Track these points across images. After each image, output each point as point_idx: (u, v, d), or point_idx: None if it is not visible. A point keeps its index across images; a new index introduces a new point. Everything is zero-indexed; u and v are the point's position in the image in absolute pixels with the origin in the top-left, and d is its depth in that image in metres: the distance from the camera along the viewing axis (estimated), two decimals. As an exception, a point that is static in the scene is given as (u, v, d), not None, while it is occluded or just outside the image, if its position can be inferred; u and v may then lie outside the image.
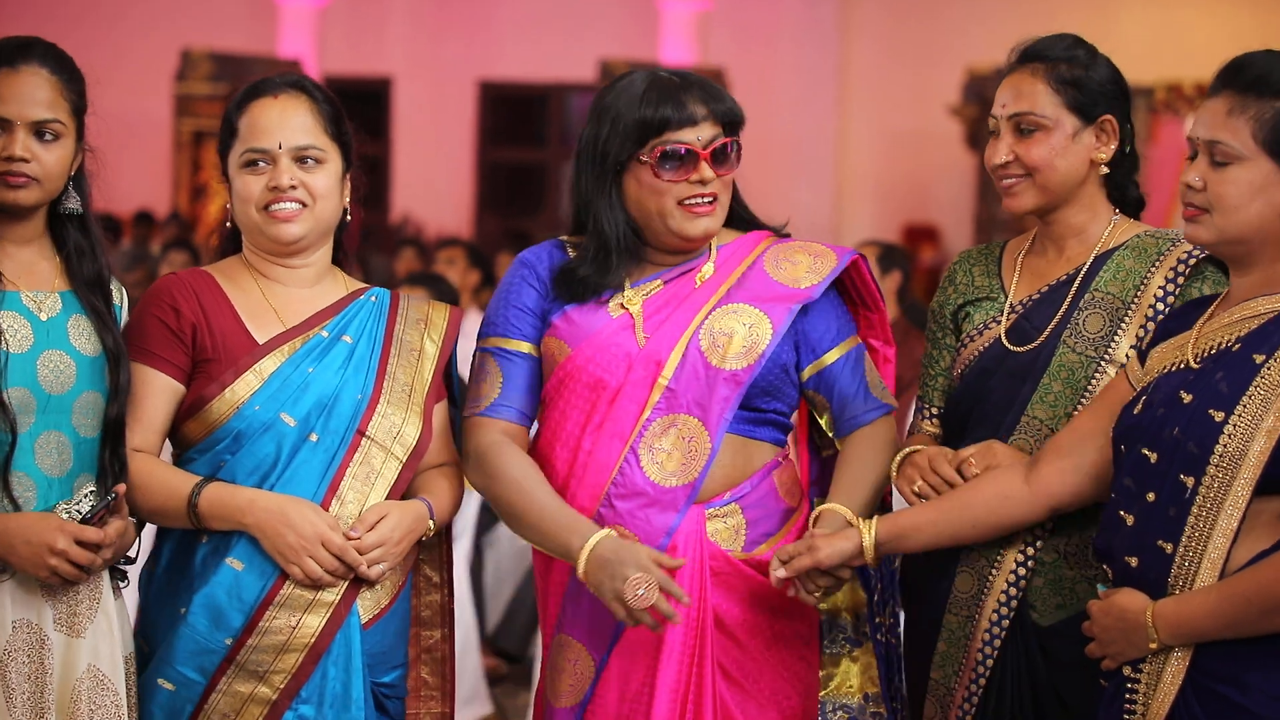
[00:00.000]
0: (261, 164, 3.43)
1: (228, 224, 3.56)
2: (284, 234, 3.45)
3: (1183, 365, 3.04)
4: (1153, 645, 2.93)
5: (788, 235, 3.58)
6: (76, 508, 3.25)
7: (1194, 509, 2.89)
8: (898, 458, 3.47)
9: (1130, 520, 2.98)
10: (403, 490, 3.43)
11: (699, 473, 3.38)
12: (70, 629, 3.27)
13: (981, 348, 3.49)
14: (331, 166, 3.47)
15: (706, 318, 3.42)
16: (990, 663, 3.36)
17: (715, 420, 3.39)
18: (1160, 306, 3.36)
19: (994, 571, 3.37)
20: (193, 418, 3.39)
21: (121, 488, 3.25)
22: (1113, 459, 3.11)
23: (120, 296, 3.48)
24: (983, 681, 3.38)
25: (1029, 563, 3.35)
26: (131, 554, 3.39)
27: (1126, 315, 3.39)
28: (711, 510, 3.41)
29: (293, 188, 3.43)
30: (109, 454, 3.31)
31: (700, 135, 3.41)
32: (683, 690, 3.37)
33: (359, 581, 3.39)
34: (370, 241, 13.22)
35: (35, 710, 3.23)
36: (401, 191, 17.48)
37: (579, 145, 3.59)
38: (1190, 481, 2.90)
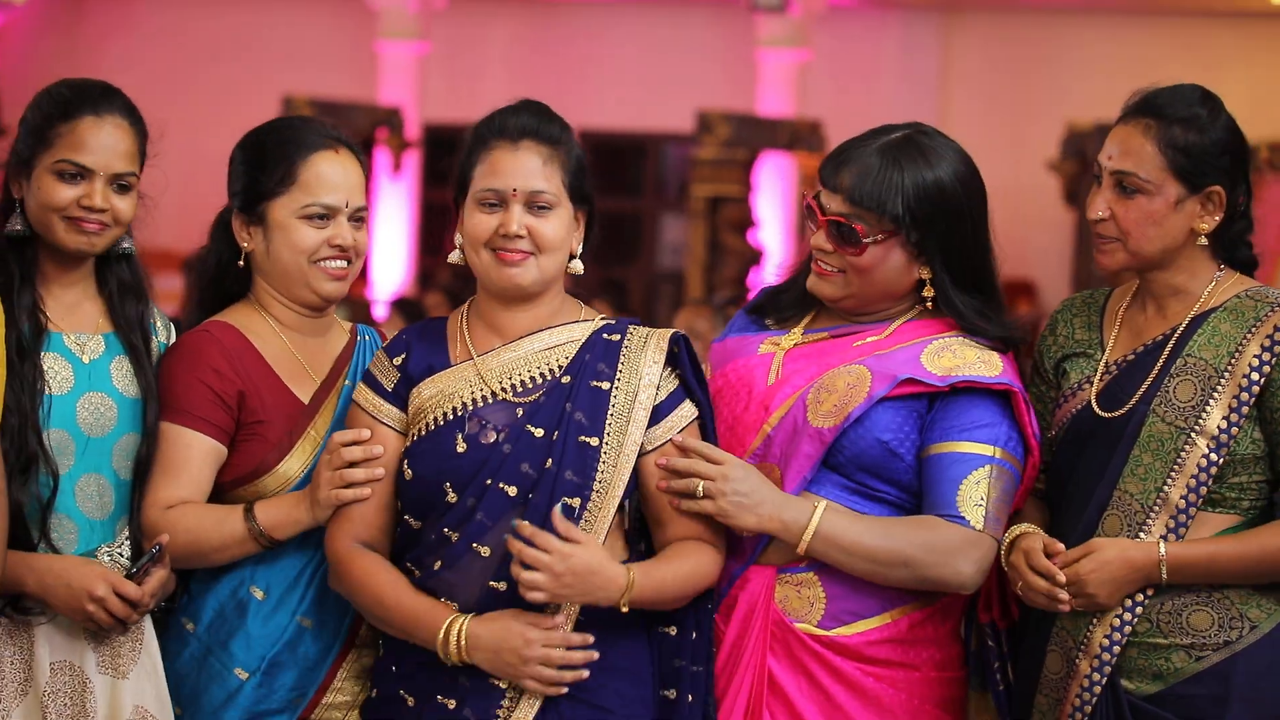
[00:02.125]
0: (323, 218, 3.43)
1: (241, 263, 3.50)
2: (334, 291, 3.49)
3: None
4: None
5: (999, 346, 3.37)
6: (119, 550, 3.26)
7: None
8: (1007, 538, 3.30)
9: None
10: None
11: None
12: (115, 670, 3.27)
13: (1074, 410, 3.35)
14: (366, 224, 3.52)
15: (825, 373, 3.33)
16: None
17: (794, 476, 3.29)
18: (1255, 376, 3.20)
19: (1080, 654, 3.25)
20: (251, 484, 3.38)
21: (165, 538, 3.24)
22: None
23: (169, 334, 3.49)
24: None
25: (1121, 635, 3.22)
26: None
27: (1219, 384, 3.22)
28: (784, 575, 3.31)
29: (349, 245, 3.46)
30: (139, 495, 3.32)
31: (830, 205, 3.34)
32: None
33: None
34: (473, 284, 13.24)
35: None
36: (498, 239, 17.42)
37: None
38: None
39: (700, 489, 3.23)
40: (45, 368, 3.27)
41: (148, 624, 3.35)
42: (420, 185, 16.70)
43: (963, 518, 3.23)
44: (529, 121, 3.32)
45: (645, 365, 3.32)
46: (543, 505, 3.20)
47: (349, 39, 17.05)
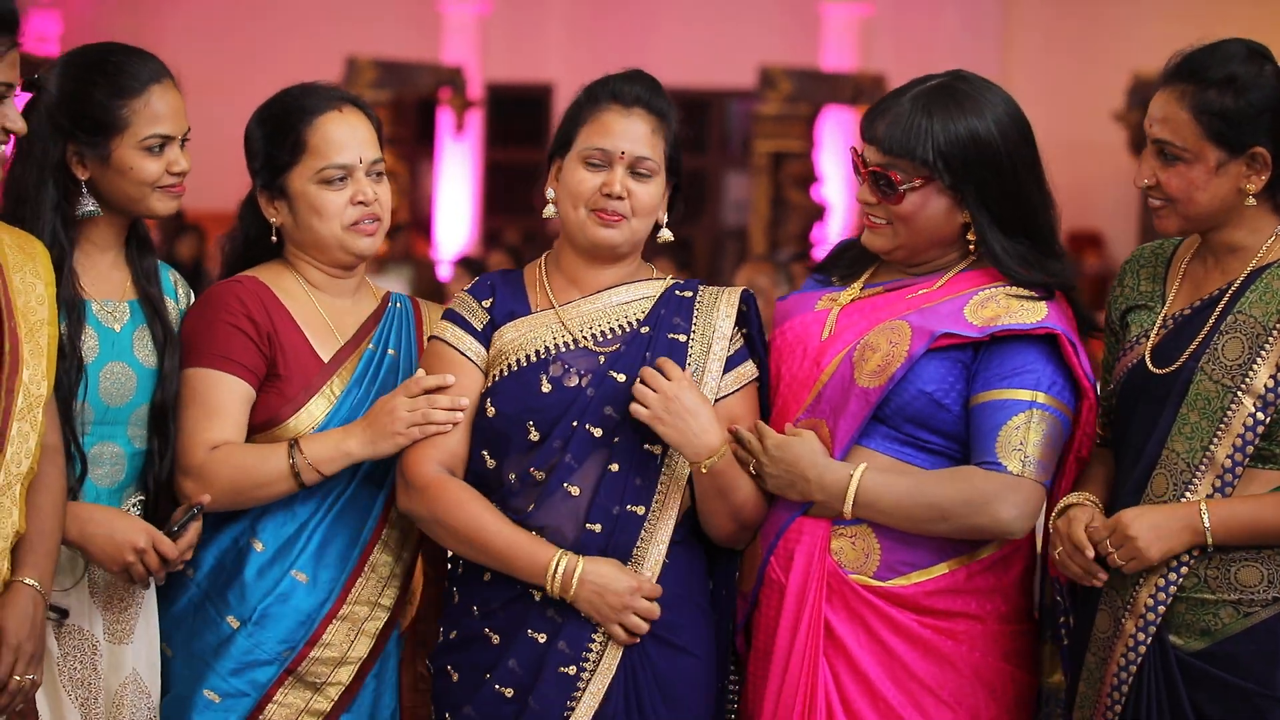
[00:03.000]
0: (339, 179, 3.47)
1: (274, 238, 3.54)
2: (366, 248, 3.53)
3: None
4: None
5: (1055, 293, 3.37)
6: (176, 523, 3.30)
7: None
8: (1060, 505, 3.30)
9: None
10: None
11: None
12: (116, 636, 3.33)
13: (1130, 364, 3.32)
14: (387, 178, 3.55)
15: (872, 329, 3.36)
16: (1119, 708, 3.23)
17: (843, 433, 3.32)
18: None
19: (1126, 614, 3.22)
20: (264, 434, 3.42)
21: (206, 498, 3.31)
22: None
23: (188, 298, 3.53)
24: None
25: (1166, 595, 3.19)
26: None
27: (1267, 341, 3.16)
28: (839, 527, 3.32)
29: (374, 201, 3.49)
30: (159, 440, 3.36)
31: (869, 157, 3.36)
32: (787, 707, 3.32)
33: (404, 595, 3.47)
34: (537, 242, 13.28)
35: (85, 715, 3.28)
36: (561, 197, 17.43)
37: None
38: None
39: (753, 466, 3.33)
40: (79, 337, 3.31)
41: (151, 590, 3.39)
42: (484, 144, 16.75)
43: (1000, 464, 3.24)
44: (642, 91, 3.43)
45: (719, 319, 3.44)
46: (627, 447, 3.33)
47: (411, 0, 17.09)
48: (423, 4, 16.89)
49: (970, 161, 3.31)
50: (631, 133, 3.40)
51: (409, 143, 16.50)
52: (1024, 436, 3.24)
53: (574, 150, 3.42)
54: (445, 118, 15.79)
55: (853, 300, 3.45)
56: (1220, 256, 3.30)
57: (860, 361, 3.31)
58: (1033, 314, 3.28)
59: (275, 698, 3.37)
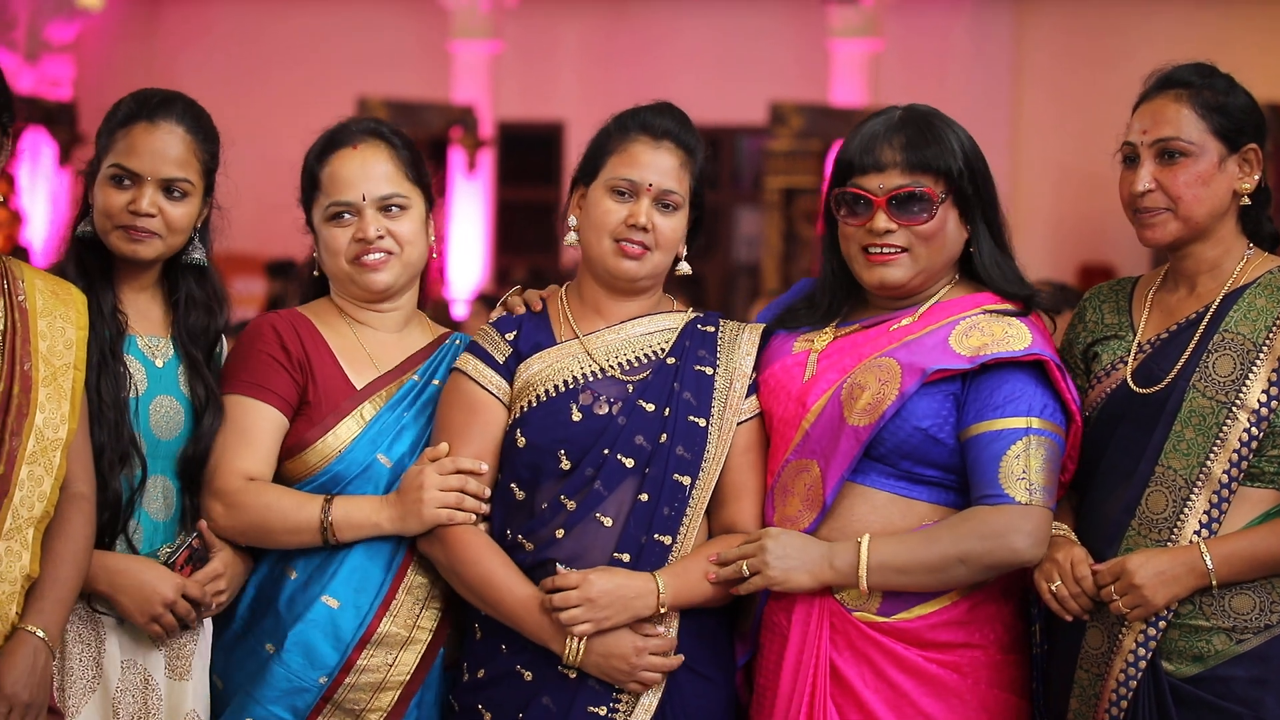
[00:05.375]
0: (347, 216, 3.47)
1: (315, 272, 3.58)
2: (375, 283, 3.50)
3: None
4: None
5: (1029, 310, 3.41)
6: (169, 550, 3.30)
7: None
8: None
9: None
10: None
11: (809, 524, 3.32)
12: (175, 673, 3.32)
13: (1108, 390, 3.35)
14: (415, 211, 3.52)
15: (857, 366, 3.35)
16: None
17: (834, 473, 3.31)
18: None
19: (1124, 630, 3.24)
20: (292, 459, 3.43)
21: (202, 524, 3.30)
22: None
23: (221, 347, 3.53)
24: None
25: (1168, 609, 3.21)
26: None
27: (1258, 358, 3.22)
28: None
29: (380, 238, 3.47)
30: (189, 497, 3.37)
31: (884, 183, 3.35)
32: None
33: (448, 618, 3.45)
34: (544, 280, 13.26)
35: None
36: (574, 235, 17.45)
37: None
38: None
39: (745, 568, 3.31)
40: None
41: (207, 625, 3.39)
42: (495, 183, 16.76)
43: (1007, 495, 3.24)
44: (672, 125, 3.45)
45: (740, 355, 3.47)
46: (658, 478, 3.33)
47: (422, 39, 17.13)
48: (433, 44, 16.93)
49: (976, 170, 3.37)
50: (659, 165, 3.40)
51: (421, 182, 16.52)
52: (1025, 465, 3.24)
53: (600, 179, 3.43)
54: (457, 157, 15.79)
55: (831, 342, 3.44)
56: (1194, 280, 3.36)
57: (849, 400, 3.31)
58: (1019, 340, 3.29)
59: None
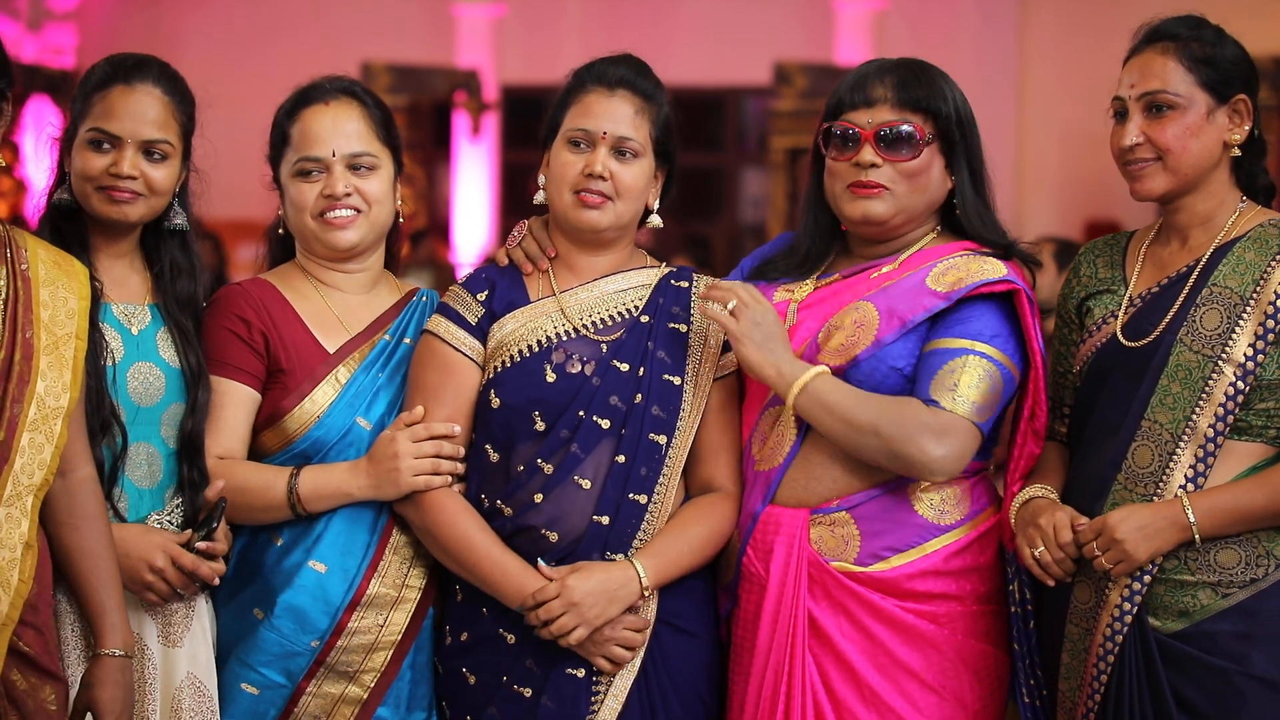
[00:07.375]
0: (315, 172, 3.46)
1: (280, 230, 3.57)
2: (340, 240, 3.48)
3: None
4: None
5: (1008, 253, 3.43)
6: (169, 518, 3.30)
7: None
8: (1015, 503, 3.33)
9: None
10: None
11: (779, 463, 3.35)
12: (169, 640, 3.32)
13: (1099, 344, 3.37)
14: (384, 172, 3.51)
15: (837, 312, 3.37)
16: (1105, 677, 3.25)
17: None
18: None
19: (1110, 584, 3.25)
20: (270, 428, 3.43)
21: (220, 483, 3.31)
22: None
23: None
24: (1098, 698, 3.27)
25: (1153, 563, 3.22)
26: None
27: (1245, 311, 3.23)
28: (817, 516, 3.34)
29: (347, 194, 3.45)
30: (188, 467, 3.34)
31: (873, 118, 3.36)
32: (769, 701, 3.33)
33: (436, 576, 3.45)
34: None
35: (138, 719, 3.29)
36: (579, 198, 17.42)
37: None
38: None
39: (731, 305, 3.30)
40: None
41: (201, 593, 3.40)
42: (500, 147, 16.73)
43: (934, 400, 3.26)
44: (626, 72, 3.45)
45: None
46: (634, 438, 3.33)
47: (425, 4, 17.08)
48: (437, 8, 16.88)
49: (964, 119, 3.39)
50: (614, 113, 3.40)
51: (425, 147, 16.50)
52: (958, 378, 3.25)
53: (560, 134, 3.44)
54: (461, 121, 15.78)
55: (811, 292, 3.45)
56: (1186, 233, 3.37)
57: (824, 341, 3.34)
58: (994, 271, 3.32)
59: (309, 689, 3.38)
